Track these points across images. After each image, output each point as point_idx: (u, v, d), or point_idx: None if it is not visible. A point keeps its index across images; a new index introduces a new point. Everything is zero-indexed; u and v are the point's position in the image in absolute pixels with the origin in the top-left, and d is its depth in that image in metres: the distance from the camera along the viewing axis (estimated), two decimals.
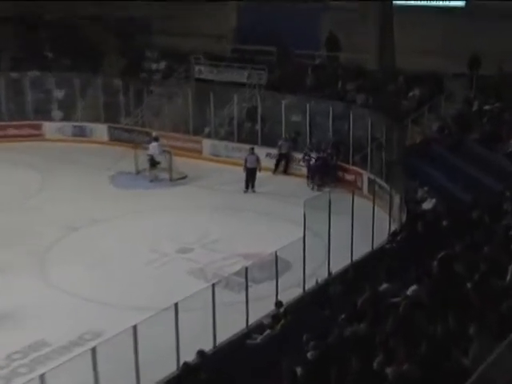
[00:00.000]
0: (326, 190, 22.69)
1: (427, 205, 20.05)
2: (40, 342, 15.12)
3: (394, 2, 27.60)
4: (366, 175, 23.45)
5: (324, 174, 24.59)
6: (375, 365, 10.60)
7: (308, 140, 25.89)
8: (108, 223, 21.62)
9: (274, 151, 26.27)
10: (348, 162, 24.61)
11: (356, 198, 17.80)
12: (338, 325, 12.68)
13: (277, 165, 26.13)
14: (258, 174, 24.59)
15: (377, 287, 14.06)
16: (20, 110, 30.51)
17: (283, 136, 26.19)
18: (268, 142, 26.65)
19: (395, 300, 13.19)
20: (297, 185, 24.81)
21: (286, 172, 26.11)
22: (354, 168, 24.30)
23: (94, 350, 11.15)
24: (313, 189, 24.31)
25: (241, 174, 24.55)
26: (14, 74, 30.68)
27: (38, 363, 14.47)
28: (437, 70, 26.13)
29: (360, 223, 17.67)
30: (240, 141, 27.37)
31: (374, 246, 18.01)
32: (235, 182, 24.64)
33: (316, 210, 16.17)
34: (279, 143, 26.13)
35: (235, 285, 16.08)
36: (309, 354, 11.67)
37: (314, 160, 24.72)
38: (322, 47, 30.50)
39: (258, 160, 24.69)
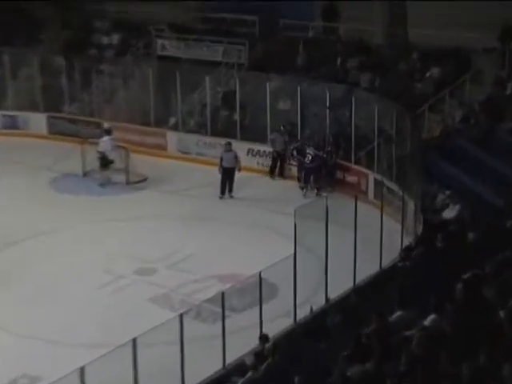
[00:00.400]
0: (323, 194, 22.71)
1: (449, 213, 20.14)
2: None
3: None
4: (371, 176, 23.52)
5: (320, 175, 24.59)
6: None
7: (299, 133, 25.91)
8: (48, 238, 21.53)
9: (257, 147, 26.30)
10: (350, 160, 24.67)
11: (360, 204, 17.90)
12: (338, 363, 12.69)
13: (273, 166, 25.89)
14: (237, 176, 24.61)
15: (386, 317, 14.10)
16: None
17: (277, 128, 25.91)
18: (249, 135, 26.69)
19: (409, 333, 13.22)
20: (286, 189, 24.87)
21: (282, 174, 25.96)
22: (357, 167, 24.39)
23: None
24: (305, 195, 24.26)
25: (215, 175, 24.55)
26: None
27: None
28: (460, 44, 26.23)
29: (365, 236, 17.76)
30: (214, 134, 27.41)
31: (383, 265, 18.08)
32: (208, 185, 24.66)
33: (310, 219, 16.17)
34: (271, 137, 26.03)
35: (209, 314, 16.08)
36: None
37: (309, 158, 24.49)
38: (316, 17, 30.56)
39: (236, 158, 24.65)
